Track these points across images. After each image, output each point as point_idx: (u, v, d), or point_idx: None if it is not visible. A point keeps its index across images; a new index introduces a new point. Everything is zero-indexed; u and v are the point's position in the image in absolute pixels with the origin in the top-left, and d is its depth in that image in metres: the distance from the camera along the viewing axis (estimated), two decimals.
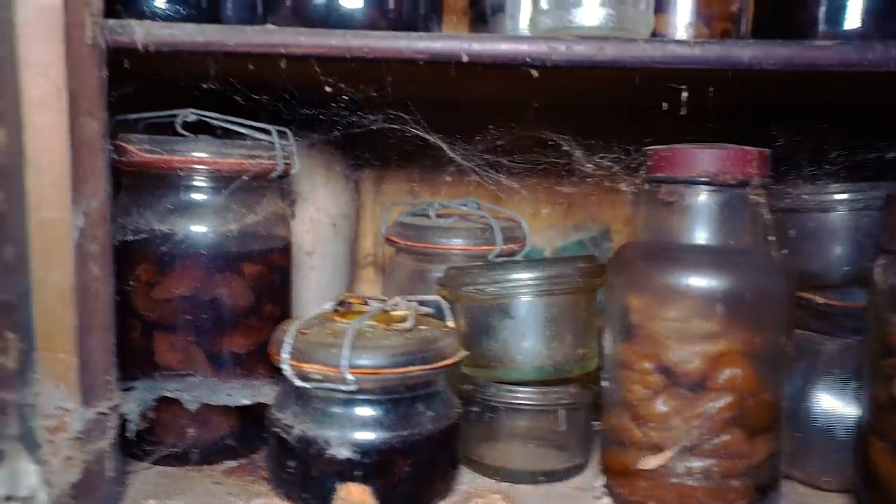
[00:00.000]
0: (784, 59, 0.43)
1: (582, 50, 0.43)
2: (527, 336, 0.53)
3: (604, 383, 0.51)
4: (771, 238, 0.48)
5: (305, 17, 0.50)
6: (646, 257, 0.49)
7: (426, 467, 0.47)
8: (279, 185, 0.60)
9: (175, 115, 0.54)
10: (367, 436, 0.45)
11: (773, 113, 0.68)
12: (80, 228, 0.40)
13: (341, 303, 0.52)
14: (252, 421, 0.53)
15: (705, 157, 0.47)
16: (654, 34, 0.50)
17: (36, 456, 0.37)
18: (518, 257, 0.64)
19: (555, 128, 0.58)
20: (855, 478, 0.50)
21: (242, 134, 0.55)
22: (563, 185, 0.60)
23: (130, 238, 0.51)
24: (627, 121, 0.65)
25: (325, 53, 0.44)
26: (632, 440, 0.49)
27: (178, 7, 0.49)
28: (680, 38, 0.44)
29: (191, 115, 0.54)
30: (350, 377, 0.44)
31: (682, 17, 0.50)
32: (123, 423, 0.47)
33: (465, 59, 0.44)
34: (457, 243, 0.62)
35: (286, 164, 0.56)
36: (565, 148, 0.54)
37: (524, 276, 0.52)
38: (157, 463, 0.51)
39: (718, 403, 0.46)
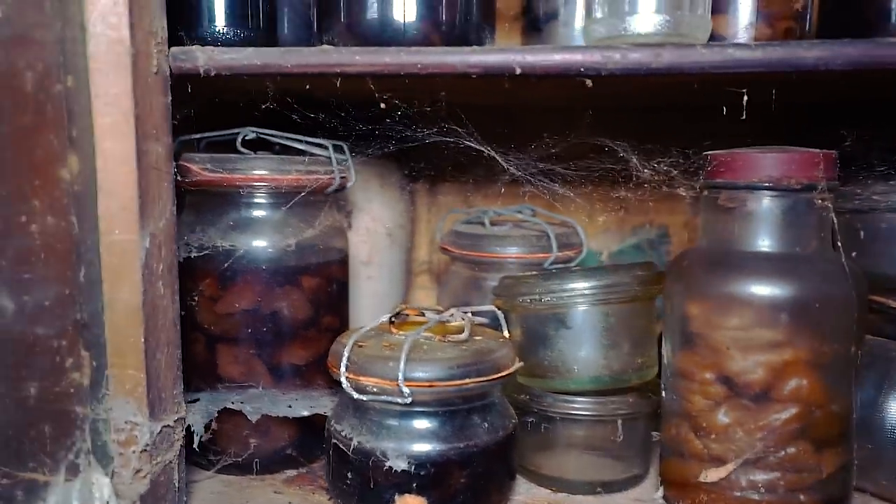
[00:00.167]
0: (852, 59, 0.41)
1: (637, 58, 0.43)
2: (583, 345, 0.52)
3: (663, 393, 0.51)
4: (838, 243, 0.46)
5: (359, 34, 0.51)
6: (705, 264, 0.48)
7: (482, 479, 0.47)
8: (336, 198, 0.61)
9: (235, 134, 0.56)
10: (423, 448, 0.46)
11: (842, 110, 0.66)
12: (147, 249, 0.41)
13: (397, 314, 0.53)
14: (311, 431, 0.54)
15: (767, 162, 0.46)
16: (713, 36, 0.49)
17: (108, 469, 0.39)
18: (574, 264, 0.63)
19: (610, 132, 0.57)
20: None
21: (300, 150, 0.57)
22: (619, 189, 0.59)
23: (194, 255, 0.53)
24: (686, 122, 0.64)
25: (379, 71, 0.45)
26: (692, 452, 0.48)
27: (237, 30, 0.50)
28: (739, 42, 0.43)
29: (250, 133, 0.56)
30: (406, 390, 0.45)
31: (743, 18, 0.49)
32: (189, 434, 0.48)
33: (518, 71, 0.44)
34: (511, 251, 0.62)
35: (342, 178, 0.57)
36: (621, 154, 0.53)
37: (580, 285, 0.52)
38: (220, 472, 0.53)
39: (783, 415, 0.45)
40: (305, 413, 0.52)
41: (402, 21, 0.50)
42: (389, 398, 0.46)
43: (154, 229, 0.43)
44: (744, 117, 0.44)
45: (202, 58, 0.45)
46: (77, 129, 0.39)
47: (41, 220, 0.37)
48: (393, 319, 0.53)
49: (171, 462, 0.43)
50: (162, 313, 0.43)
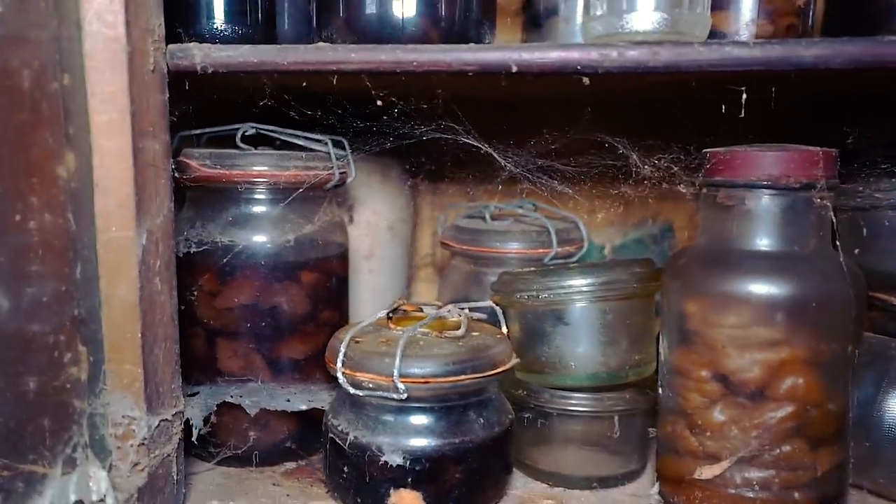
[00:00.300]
0: (852, 57, 0.41)
1: (635, 55, 0.42)
2: (581, 342, 0.52)
3: (660, 390, 0.51)
4: (837, 242, 0.46)
5: (358, 29, 0.51)
6: (703, 262, 0.48)
7: (478, 474, 0.47)
8: (336, 192, 0.61)
9: (235, 129, 0.56)
10: (418, 443, 0.46)
11: (846, 105, 0.65)
12: (144, 246, 0.42)
13: (395, 310, 0.53)
14: (310, 424, 0.55)
15: (766, 160, 0.45)
16: (714, 33, 0.48)
17: (105, 462, 0.39)
18: (575, 259, 0.63)
19: (610, 127, 0.57)
20: None
21: (300, 146, 0.57)
22: (619, 185, 0.58)
23: (194, 250, 0.53)
24: (688, 117, 0.63)
25: (376, 68, 0.45)
26: (687, 449, 0.48)
27: (236, 27, 0.50)
28: (738, 40, 0.43)
29: (250, 128, 0.56)
30: (401, 386, 0.45)
31: (745, 14, 0.48)
32: (188, 427, 0.49)
33: (514, 69, 0.44)
34: (512, 247, 0.62)
35: (342, 173, 0.57)
36: (621, 151, 0.53)
37: (578, 282, 0.52)
38: (220, 464, 0.54)
39: (779, 413, 0.45)
40: (303, 407, 0.53)
41: (400, 17, 0.50)
42: (385, 394, 0.46)
43: (151, 226, 0.43)
44: (743, 115, 0.44)
45: (199, 55, 0.45)
46: (73, 127, 0.40)
47: (38, 217, 0.37)
48: (390, 315, 0.53)
49: (169, 455, 0.44)
50: (159, 309, 0.44)
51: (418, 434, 0.47)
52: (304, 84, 0.48)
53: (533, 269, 0.56)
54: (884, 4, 0.50)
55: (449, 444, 0.47)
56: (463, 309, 0.52)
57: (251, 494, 0.51)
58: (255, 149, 0.56)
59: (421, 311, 0.55)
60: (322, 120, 0.55)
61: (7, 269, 0.36)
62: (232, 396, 0.52)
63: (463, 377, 0.46)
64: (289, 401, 0.53)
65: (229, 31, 0.50)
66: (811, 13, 0.48)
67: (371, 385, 0.46)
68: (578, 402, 0.53)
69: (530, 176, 0.56)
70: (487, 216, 0.66)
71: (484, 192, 0.74)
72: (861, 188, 0.53)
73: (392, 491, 0.46)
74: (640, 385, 0.54)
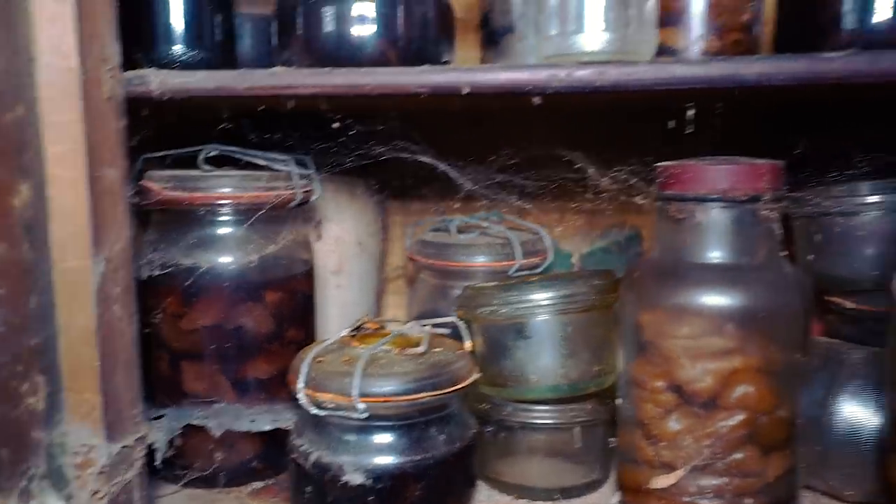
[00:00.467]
0: (793, 74, 0.42)
1: (582, 75, 0.43)
2: (542, 355, 0.53)
3: (618, 401, 0.52)
4: (783, 253, 0.47)
5: (317, 50, 0.52)
6: (657, 275, 0.49)
7: (440, 489, 0.48)
8: (302, 210, 0.62)
9: (199, 151, 0.57)
10: (379, 461, 0.47)
11: (806, 113, 0.67)
12: (102, 273, 0.42)
13: (359, 328, 0.54)
14: (277, 443, 0.55)
15: (714, 174, 0.46)
16: (665, 49, 0.49)
17: (64, 492, 0.40)
18: (540, 270, 0.64)
19: (573, 139, 0.58)
20: (876, 491, 0.49)
21: (264, 165, 0.57)
22: (582, 197, 0.59)
23: (157, 273, 0.53)
24: (649, 126, 0.64)
25: (331, 92, 0.46)
26: (644, 458, 0.49)
27: (194, 51, 0.51)
28: (684, 58, 0.44)
29: (213, 150, 0.56)
30: (361, 406, 0.46)
31: (694, 30, 0.50)
32: (152, 451, 0.49)
33: (466, 90, 0.45)
34: (477, 260, 0.63)
35: (305, 192, 0.58)
36: (578, 165, 0.54)
37: (538, 296, 0.53)
38: (186, 486, 0.54)
39: (731, 422, 0.46)
40: (268, 427, 0.53)
41: (358, 38, 0.51)
42: (346, 413, 0.47)
43: (109, 254, 0.43)
44: (706, 123, 0.45)
45: (155, 82, 0.46)
46: (28, 158, 0.40)
47: None
48: (354, 333, 0.54)
49: (130, 481, 0.44)
50: (119, 336, 0.44)
51: (380, 452, 0.47)
52: (262, 107, 0.49)
53: (495, 283, 0.57)
54: (829, 17, 0.52)
55: (410, 462, 0.47)
56: (424, 325, 0.53)
57: None
58: (220, 169, 0.57)
59: (384, 328, 0.55)
60: (284, 140, 0.56)
61: None
62: (197, 419, 0.52)
63: (423, 395, 0.47)
64: (253, 421, 0.53)
65: (188, 55, 0.51)
66: (757, 29, 0.50)
67: (332, 405, 0.47)
68: (540, 415, 0.53)
69: (488, 192, 0.56)
70: (453, 229, 0.67)
71: (453, 205, 0.75)
72: (812, 196, 0.55)
73: None
74: (601, 395, 0.55)
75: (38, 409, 0.39)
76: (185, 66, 0.50)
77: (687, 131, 0.48)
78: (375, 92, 0.45)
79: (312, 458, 0.48)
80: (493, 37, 0.54)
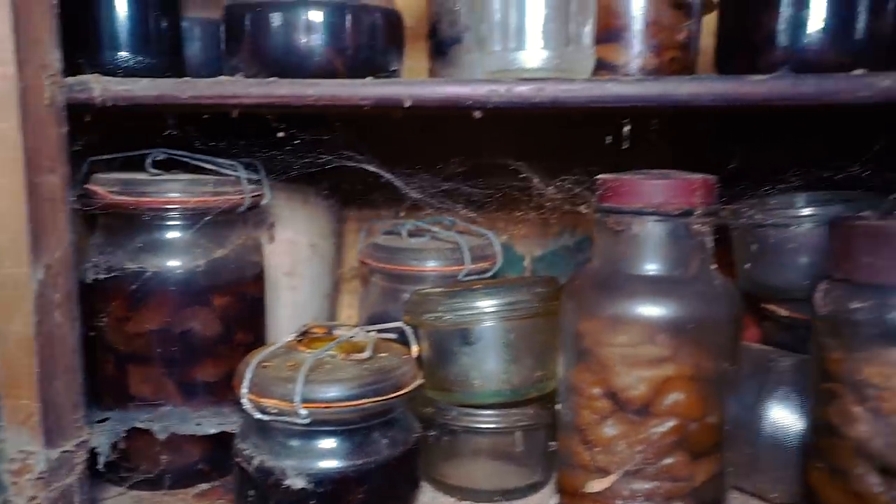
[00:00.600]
0: (720, 95, 0.43)
1: (522, 91, 0.44)
2: (485, 361, 0.54)
3: (558, 406, 0.53)
4: (713, 266, 0.49)
5: (264, 58, 0.52)
6: (595, 285, 0.51)
7: (382, 492, 0.49)
8: (253, 213, 0.62)
9: (146, 154, 0.57)
10: (321, 466, 0.48)
11: (739, 124, 0.69)
12: (42, 280, 0.42)
13: (305, 332, 0.54)
14: (223, 445, 0.55)
15: (649, 188, 0.48)
16: (606, 64, 0.51)
17: (1, 498, 0.40)
18: (490, 274, 0.66)
19: (519, 148, 0.59)
20: (799, 495, 0.51)
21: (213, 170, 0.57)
22: (530, 204, 0.60)
23: (103, 276, 0.53)
24: (594, 134, 0.66)
25: (276, 102, 0.46)
26: (581, 463, 0.50)
27: (140, 57, 0.51)
28: (618, 77, 0.45)
29: (160, 154, 0.56)
30: (303, 411, 0.46)
31: (634, 47, 0.51)
32: (94, 455, 0.49)
33: (408, 103, 0.45)
34: (427, 264, 0.64)
35: (254, 197, 0.58)
36: (523, 175, 0.55)
37: (481, 303, 0.54)
38: (131, 488, 0.54)
39: (662, 428, 0.48)
40: (213, 431, 0.53)
41: (305, 46, 0.51)
42: (288, 419, 0.47)
43: (50, 260, 0.43)
44: (651, 136, 0.46)
45: (97, 88, 0.46)
46: None
47: None
48: (300, 338, 0.54)
49: (71, 485, 0.45)
50: (59, 342, 0.44)
51: (322, 457, 0.48)
52: (207, 115, 0.49)
53: (441, 289, 0.58)
54: (764, 35, 0.54)
55: (352, 466, 0.48)
56: (370, 331, 0.54)
57: None
58: (169, 172, 0.57)
59: (331, 332, 0.56)
60: (233, 146, 0.56)
61: None
62: (142, 422, 0.53)
63: (365, 401, 0.48)
64: (199, 424, 0.54)
65: (133, 61, 0.50)
66: (692, 46, 0.51)
67: (275, 410, 0.48)
68: (483, 419, 0.55)
69: (433, 202, 0.57)
70: (404, 233, 0.68)
71: (401, 212, 0.75)
72: (747, 208, 0.57)
73: None
74: (542, 400, 0.56)
75: None
76: (131, 72, 0.50)
77: (627, 144, 0.49)
78: (319, 103, 0.46)
79: (256, 462, 0.48)
80: (441, 47, 0.55)
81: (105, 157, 0.56)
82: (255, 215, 0.64)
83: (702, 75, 0.44)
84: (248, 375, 0.49)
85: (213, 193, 0.55)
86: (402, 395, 0.50)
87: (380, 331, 0.55)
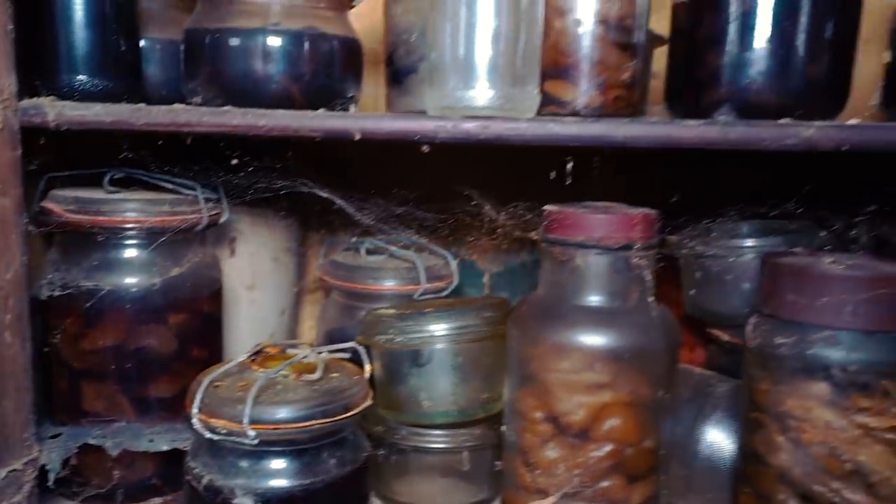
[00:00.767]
0: (654, 138, 0.45)
1: (468, 128, 0.46)
2: (434, 382, 0.56)
3: (503, 428, 0.55)
4: (651, 299, 0.51)
5: (222, 83, 0.53)
6: (540, 313, 0.52)
7: None
8: (212, 231, 0.63)
9: (104, 172, 0.57)
10: (269, 485, 0.49)
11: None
12: None
13: (258, 352, 0.56)
14: (176, 460, 0.56)
15: (591, 222, 0.50)
16: (554, 99, 0.52)
17: None
18: (445, 294, 0.67)
19: (473, 175, 0.61)
20: None
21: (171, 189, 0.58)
22: (481, 230, 0.62)
23: (58, 293, 0.54)
24: (546, 163, 0.68)
25: (229, 132, 0.47)
26: (523, 484, 0.52)
27: (96, 80, 0.51)
28: (559, 118, 0.47)
29: (118, 173, 0.57)
30: (251, 433, 0.48)
31: (581, 85, 0.52)
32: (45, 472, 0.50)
33: (357, 136, 0.47)
34: (384, 284, 0.65)
35: (213, 215, 0.59)
36: (475, 203, 0.57)
37: (431, 327, 0.55)
38: (83, 502, 0.55)
39: (600, 453, 0.50)
40: (165, 448, 0.54)
41: (262, 73, 0.53)
42: (237, 439, 0.48)
43: (0, 282, 0.44)
44: (569, 183, 0.48)
45: (52, 113, 0.46)
46: None
47: None
48: (254, 357, 0.55)
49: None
50: (10, 361, 0.45)
51: (271, 476, 0.49)
52: (160, 142, 0.50)
53: (393, 311, 0.59)
54: (708, 73, 0.56)
55: (300, 486, 0.49)
56: (321, 353, 0.55)
57: None
58: (127, 190, 0.57)
59: (285, 351, 0.57)
60: (189, 169, 0.57)
61: None
62: (94, 438, 0.54)
63: (313, 422, 0.49)
64: (152, 441, 0.54)
65: (90, 84, 0.51)
66: (637, 85, 0.53)
67: (224, 431, 0.49)
68: (431, 439, 0.56)
69: (385, 227, 0.59)
70: (363, 252, 0.69)
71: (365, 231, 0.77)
72: (688, 239, 0.59)
73: None
74: (490, 420, 0.58)
75: None
76: (88, 95, 0.51)
77: (570, 180, 0.51)
78: (272, 133, 0.47)
79: (205, 480, 0.49)
80: (398, 76, 0.57)
81: (62, 174, 0.57)
82: (214, 232, 0.65)
83: (639, 119, 0.46)
84: (198, 395, 0.50)
85: (170, 213, 0.56)
86: (350, 416, 0.51)
87: (333, 350, 0.57)
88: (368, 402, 0.54)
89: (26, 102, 0.46)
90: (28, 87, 0.49)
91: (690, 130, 0.44)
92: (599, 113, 0.51)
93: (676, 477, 0.55)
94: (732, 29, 0.54)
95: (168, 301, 0.57)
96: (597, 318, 0.50)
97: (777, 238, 0.58)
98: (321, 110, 0.48)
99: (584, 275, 0.50)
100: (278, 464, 0.50)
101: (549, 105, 0.52)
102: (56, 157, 0.53)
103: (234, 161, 0.51)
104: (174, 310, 0.57)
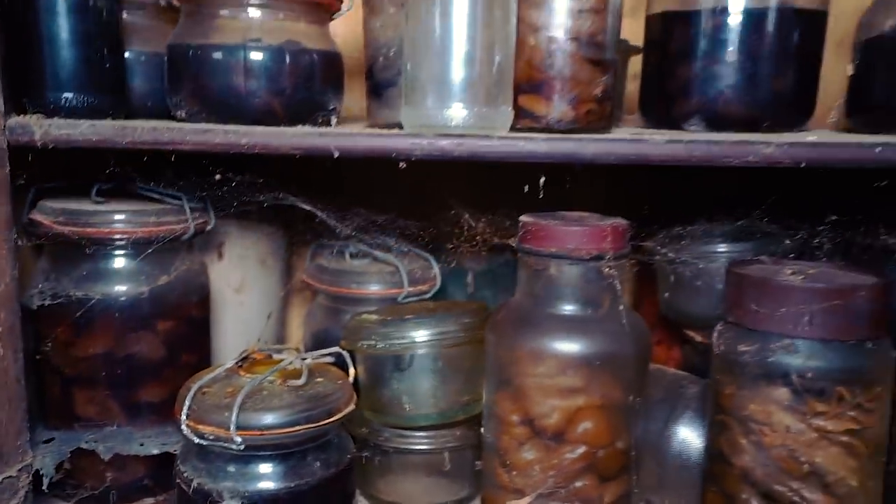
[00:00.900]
0: (622, 155, 0.47)
1: (443, 145, 0.48)
2: (415, 385, 0.58)
3: (482, 429, 0.57)
4: (621, 307, 0.53)
5: (204, 98, 0.55)
6: (516, 320, 0.54)
7: None
8: (200, 238, 0.64)
9: (90, 184, 0.59)
10: (257, 488, 0.51)
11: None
12: None
13: (245, 358, 0.57)
14: (167, 461, 0.58)
15: (563, 234, 0.51)
16: (529, 114, 0.54)
17: None
18: (429, 296, 0.69)
19: (454, 184, 0.62)
20: None
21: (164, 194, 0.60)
22: (460, 238, 0.64)
23: (48, 302, 0.56)
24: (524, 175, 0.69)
25: (211, 149, 0.49)
26: (500, 484, 0.54)
27: (82, 97, 0.52)
28: (530, 136, 0.48)
29: (105, 185, 0.59)
30: (238, 439, 0.50)
31: (553, 99, 0.53)
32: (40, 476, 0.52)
33: (336, 154, 0.48)
34: (368, 287, 0.67)
35: (198, 224, 0.60)
36: (453, 212, 0.58)
37: (412, 333, 0.57)
38: None
39: (573, 454, 0.52)
40: (156, 451, 0.56)
41: (244, 88, 0.54)
42: (225, 444, 0.50)
43: None
44: (541, 197, 0.50)
45: (38, 132, 0.48)
46: None
47: None
48: (240, 363, 0.57)
49: None
50: (2, 373, 0.47)
51: (258, 479, 0.51)
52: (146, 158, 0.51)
53: (376, 317, 0.61)
54: (679, 85, 0.58)
55: (286, 488, 0.51)
56: (305, 359, 0.57)
57: None
58: (115, 199, 0.59)
59: (272, 356, 0.59)
60: (174, 183, 0.58)
61: None
62: (87, 443, 0.55)
63: (298, 427, 0.51)
64: (143, 445, 0.56)
65: (76, 101, 0.52)
66: (607, 101, 0.54)
67: (212, 436, 0.51)
68: (413, 440, 0.59)
69: (366, 236, 0.60)
70: (347, 255, 0.71)
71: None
72: (660, 246, 0.61)
73: None
74: (470, 421, 0.60)
75: None
76: (74, 111, 0.52)
77: (547, 186, 0.53)
78: (253, 151, 0.48)
79: (194, 483, 0.51)
80: (377, 89, 0.58)
81: (51, 185, 0.58)
82: (201, 238, 0.66)
83: (607, 136, 0.48)
84: (187, 402, 0.52)
85: (156, 223, 0.57)
86: (333, 421, 0.53)
87: (318, 356, 0.58)
88: (352, 407, 0.55)
89: (13, 121, 0.48)
90: (15, 105, 0.51)
91: (656, 148, 0.46)
92: (572, 127, 0.52)
93: (650, 474, 0.58)
94: (702, 43, 0.56)
95: (156, 309, 0.59)
96: (570, 325, 0.52)
97: (746, 244, 0.60)
98: (302, 126, 0.50)
99: (558, 284, 0.52)
100: (265, 467, 0.52)
101: (524, 118, 0.54)
102: (44, 167, 0.55)
103: (218, 176, 0.53)
104: (162, 317, 0.59)
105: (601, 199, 0.60)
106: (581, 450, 0.52)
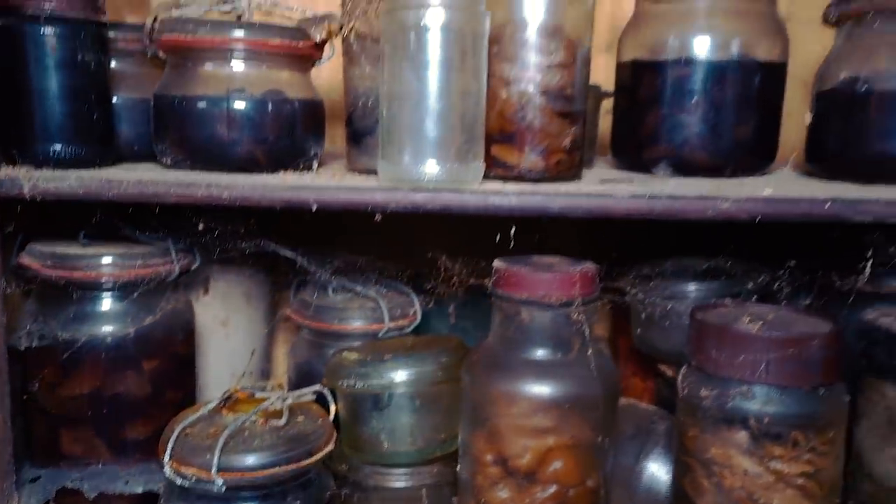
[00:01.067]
0: (587, 210, 0.49)
1: (416, 199, 0.50)
2: (393, 424, 0.60)
3: (458, 468, 0.59)
4: (590, 352, 0.55)
5: (189, 147, 0.57)
6: (490, 363, 0.56)
7: None
8: (184, 277, 0.66)
9: (78, 229, 0.60)
10: None
11: None
12: None
13: (228, 397, 0.59)
14: (152, 499, 0.60)
15: (534, 281, 0.53)
16: (502, 163, 0.56)
17: None
18: (409, 331, 0.71)
19: (431, 232, 0.64)
20: None
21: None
22: (435, 281, 0.65)
23: (35, 344, 0.57)
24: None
25: (194, 202, 0.50)
26: None
27: (70, 147, 0.54)
28: (499, 190, 0.50)
29: (91, 230, 0.60)
30: (219, 480, 0.51)
31: (525, 150, 0.55)
32: None
33: (314, 207, 0.50)
34: (350, 323, 0.69)
35: (183, 265, 0.62)
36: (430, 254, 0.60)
37: (390, 374, 0.59)
38: None
39: (545, 494, 0.54)
40: (140, 490, 0.58)
41: (227, 137, 0.56)
42: (206, 486, 0.52)
43: None
44: (512, 246, 0.52)
45: (27, 186, 0.49)
46: None
47: None
48: (224, 402, 0.59)
49: None
50: None
51: None
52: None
53: (356, 356, 0.63)
54: (648, 132, 0.60)
55: None
56: (286, 399, 0.59)
57: None
58: (101, 241, 0.61)
59: (254, 395, 0.61)
60: (156, 233, 0.60)
61: None
62: (72, 481, 0.57)
63: (278, 469, 0.53)
64: (127, 483, 0.58)
65: (64, 152, 0.54)
66: (577, 151, 0.56)
67: (194, 478, 0.52)
68: (391, 477, 0.61)
69: (345, 279, 0.62)
70: (330, 291, 0.73)
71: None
72: (630, 287, 0.63)
73: None
74: (447, 458, 0.62)
75: None
76: (62, 162, 0.54)
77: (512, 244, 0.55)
78: (235, 204, 0.50)
79: None
80: (356, 135, 0.60)
81: (38, 231, 0.60)
82: (186, 278, 0.68)
83: (573, 191, 0.50)
84: (170, 444, 0.53)
85: (143, 266, 0.59)
86: (314, 461, 0.55)
87: (300, 395, 0.60)
88: (332, 446, 0.57)
89: (2, 174, 0.49)
90: (5, 155, 0.52)
91: (620, 203, 0.48)
92: (542, 177, 0.55)
93: None
94: (668, 92, 0.58)
95: (142, 348, 0.60)
96: (540, 369, 0.54)
97: (712, 283, 0.62)
98: (284, 172, 0.52)
99: (529, 328, 0.54)
100: None
101: (497, 168, 0.56)
102: (32, 211, 0.56)
103: (201, 226, 0.55)
104: (148, 356, 0.61)
105: (574, 240, 0.62)
106: (552, 489, 0.54)
